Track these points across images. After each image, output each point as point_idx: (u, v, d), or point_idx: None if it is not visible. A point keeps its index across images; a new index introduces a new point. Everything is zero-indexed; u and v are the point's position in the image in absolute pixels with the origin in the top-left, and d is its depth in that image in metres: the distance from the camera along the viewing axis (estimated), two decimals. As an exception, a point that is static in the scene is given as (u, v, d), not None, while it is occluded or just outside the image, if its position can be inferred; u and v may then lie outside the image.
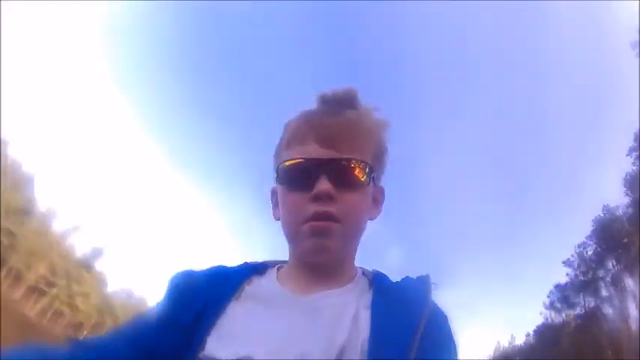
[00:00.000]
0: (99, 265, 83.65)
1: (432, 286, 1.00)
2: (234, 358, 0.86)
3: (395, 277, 1.08)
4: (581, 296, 39.95)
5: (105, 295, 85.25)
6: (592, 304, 38.54)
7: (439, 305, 0.97)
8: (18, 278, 68.79)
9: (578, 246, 40.97)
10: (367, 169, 1.00)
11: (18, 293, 68.21)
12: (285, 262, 1.10)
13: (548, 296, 44.01)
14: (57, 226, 78.42)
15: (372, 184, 1.03)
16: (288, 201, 1.01)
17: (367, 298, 0.97)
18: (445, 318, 0.97)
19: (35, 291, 72.13)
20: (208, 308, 0.96)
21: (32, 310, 70.41)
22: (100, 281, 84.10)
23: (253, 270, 1.07)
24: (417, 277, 1.03)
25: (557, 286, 42.99)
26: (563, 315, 41.76)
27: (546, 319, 44.34)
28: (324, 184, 0.94)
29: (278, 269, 1.08)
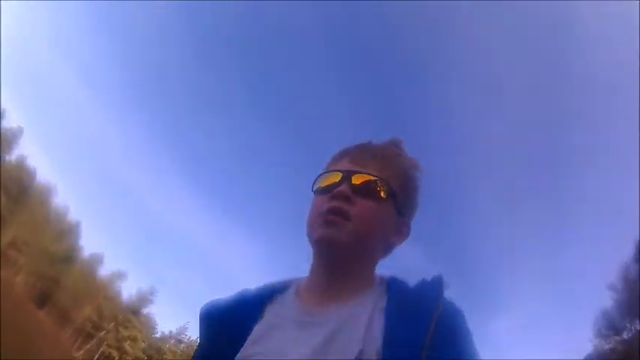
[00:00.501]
0: (147, 309, 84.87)
1: (445, 284, 1.02)
2: None
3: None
4: (628, 320, 38.65)
5: (153, 339, 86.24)
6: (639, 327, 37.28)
7: (454, 303, 1.00)
8: (65, 319, 70.60)
9: (622, 268, 39.55)
10: (388, 189, 1.09)
11: (66, 334, 69.97)
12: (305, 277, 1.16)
13: (595, 323, 42.59)
14: (103, 271, 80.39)
15: (393, 206, 1.11)
16: (314, 203, 1.12)
17: (382, 302, 1.02)
18: (459, 315, 0.98)
19: (82, 334, 73.85)
20: (235, 335, 1.03)
21: (80, 352, 71.92)
22: (148, 325, 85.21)
23: (275, 290, 1.14)
24: (431, 278, 1.05)
25: (604, 313, 41.56)
26: (611, 342, 40.42)
27: (595, 346, 42.75)
28: (343, 187, 1.06)
29: (298, 284, 1.15)
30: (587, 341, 42.29)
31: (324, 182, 1.12)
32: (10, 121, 59.24)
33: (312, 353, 0.92)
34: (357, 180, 1.07)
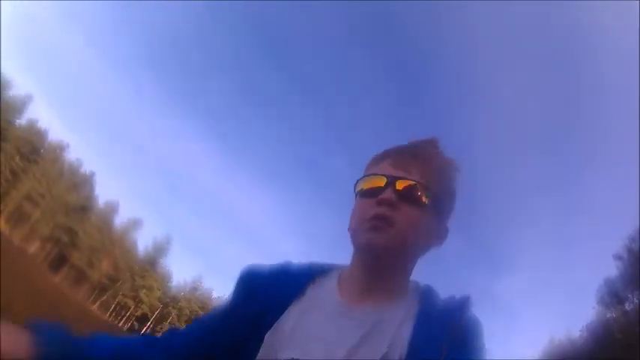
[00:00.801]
0: (163, 259, 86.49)
1: (471, 302, 1.07)
2: (287, 358, 0.99)
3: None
4: (630, 291, 38.59)
5: (169, 288, 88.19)
6: (640, 299, 37.21)
7: (475, 319, 1.04)
8: (82, 279, 72.57)
9: (629, 240, 39.19)
10: (430, 194, 1.10)
11: (82, 290, 71.98)
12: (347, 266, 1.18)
13: (598, 290, 42.68)
14: (119, 222, 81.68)
15: (434, 211, 1.12)
16: (358, 205, 1.14)
17: (414, 309, 1.06)
18: (479, 327, 1.03)
19: (98, 287, 75.84)
20: (271, 306, 1.08)
21: (95, 304, 74.04)
22: (164, 275, 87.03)
23: (318, 272, 1.17)
24: (460, 297, 1.09)
25: (607, 281, 41.54)
26: (612, 311, 40.52)
27: (597, 313, 43.00)
28: (388, 193, 1.06)
29: (340, 274, 1.17)
30: (590, 308, 42.75)
31: (368, 185, 1.14)
32: (21, 88, 60.04)
33: (347, 352, 0.99)
34: (400, 185, 1.08)
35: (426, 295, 1.11)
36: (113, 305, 78.65)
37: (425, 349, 0.96)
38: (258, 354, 1.03)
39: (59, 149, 70.15)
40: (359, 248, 1.11)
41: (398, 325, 1.02)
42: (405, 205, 1.07)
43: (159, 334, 1.18)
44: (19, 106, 58.97)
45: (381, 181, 1.10)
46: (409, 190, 1.08)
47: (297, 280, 1.14)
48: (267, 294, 1.11)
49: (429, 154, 1.17)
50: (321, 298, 1.11)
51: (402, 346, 0.98)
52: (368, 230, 1.07)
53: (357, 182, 1.17)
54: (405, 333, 1.00)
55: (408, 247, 1.09)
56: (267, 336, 1.03)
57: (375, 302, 1.07)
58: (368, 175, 1.16)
